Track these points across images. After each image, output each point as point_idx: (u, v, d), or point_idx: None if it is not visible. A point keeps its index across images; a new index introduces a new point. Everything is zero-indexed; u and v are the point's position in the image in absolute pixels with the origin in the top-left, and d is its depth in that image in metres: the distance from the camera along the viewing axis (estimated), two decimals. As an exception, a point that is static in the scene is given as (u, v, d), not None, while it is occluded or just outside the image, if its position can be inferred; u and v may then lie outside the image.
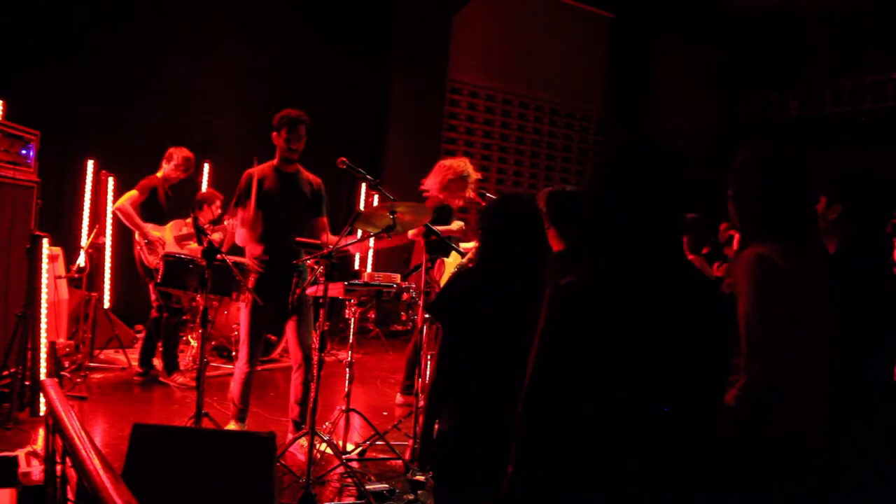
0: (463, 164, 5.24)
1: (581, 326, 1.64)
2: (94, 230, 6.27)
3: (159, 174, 6.13)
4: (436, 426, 2.45)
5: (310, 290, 4.26)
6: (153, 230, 5.93)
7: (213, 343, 6.78)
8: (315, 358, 4.09)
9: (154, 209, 6.01)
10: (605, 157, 1.79)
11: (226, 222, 6.67)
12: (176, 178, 6.22)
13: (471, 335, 2.39)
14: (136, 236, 5.93)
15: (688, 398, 1.66)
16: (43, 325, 4.67)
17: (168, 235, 6.03)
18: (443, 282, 4.49)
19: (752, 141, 2.22)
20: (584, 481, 1.65)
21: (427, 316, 4.35)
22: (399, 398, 5.74)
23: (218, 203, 6.37)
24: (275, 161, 4.39)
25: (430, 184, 5.25)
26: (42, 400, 4.37)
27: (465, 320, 2.40)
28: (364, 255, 8.16)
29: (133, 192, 5.90)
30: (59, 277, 5.82)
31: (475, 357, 2.38)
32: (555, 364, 1.66)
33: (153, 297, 5.96)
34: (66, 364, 5.60)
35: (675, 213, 1.72)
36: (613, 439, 1.63)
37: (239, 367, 4.37)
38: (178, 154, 6.16)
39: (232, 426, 4.31)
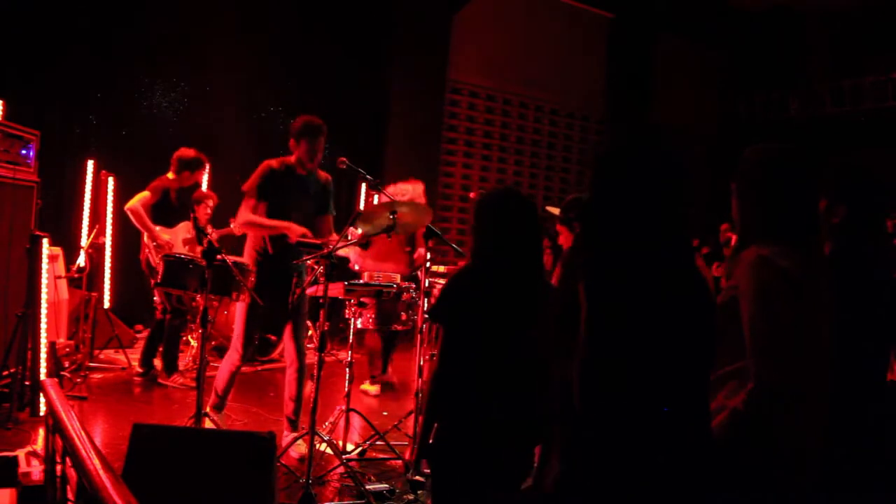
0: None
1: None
2: (94, 230, 6.26)
3: (171, 175, 6.09)
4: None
5: (310, 290, 4.26)
6: (162, 233, 5.91)
7: (213, 343, 6.78)
8: (315, 358, 4.10)
9: (165, 211, 5.97)
10: (607, 153, 1.81)
11: (232, 224, 6.68)
12: (189, 179, 6.15)
13: (472, 336, 2.37)
14: (145, 238, 5.90)
15: (682, 390, 1.71)
16: (43, 325, 4.67)
17: (178, 238, 6.02)
18: None
19: (757, 141, 2.21)
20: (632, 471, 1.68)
21: (426, 316, 4.36)
22: (371, 387, 5.94)
23: (209, 203, 6.36)
24: (292, 160, 4.32)
25: None
26: (42, 400, 4.37)
27: (466, 322, 2.38)
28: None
29: (145, 194, 5.87)
30: (59, 277, 5.81)
31: (477, 357, 2.36)
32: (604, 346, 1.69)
33: (157, 298, 5.95)
34: (66, 364, 5.60)
35: (676, 208, 1.74)
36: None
37: (230, 360, 4.38)
38: (182, 156, 6.10)
39: (208, 413, 4.27)
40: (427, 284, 4.40)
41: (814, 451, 2.03)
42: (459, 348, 2.38)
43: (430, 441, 2.41)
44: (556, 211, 3.61)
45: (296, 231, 4.16)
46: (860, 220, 2.49)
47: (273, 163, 4.31)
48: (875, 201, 2.53)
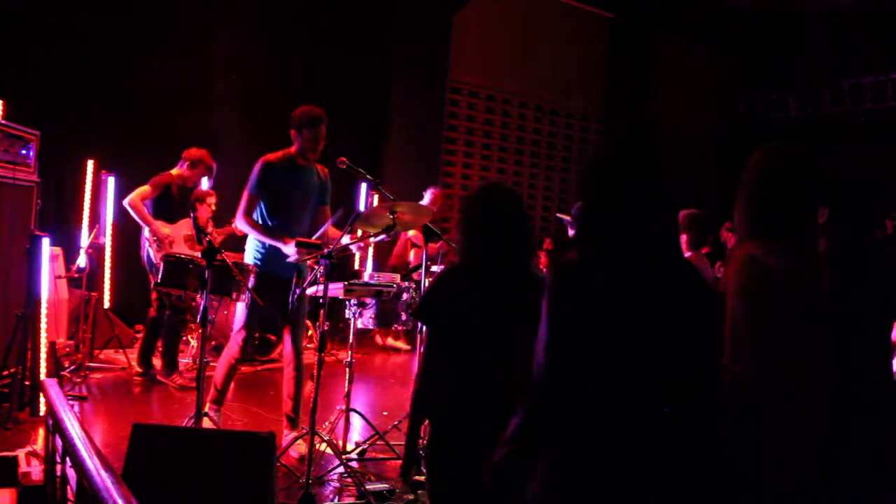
0: None
1: (579, 305, 1.69)
2: (94, 230, 6.26)
3: (174, 172, 6.08)
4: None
5: (310, 291, 4.26)
6: (163, 227, 5.89)
7: (213, 343, 6.77)
8: (315, 358, 4.10)
9: (166, 206, 5.94)
10: (596, 155, 1.86)
11: (233, 223, 6.67)
12: (192, 177, 6.15)
13: (459, 336, 2.34)
14: (146, 232, 5.90)
15: (679, 384, 1.70)
16: (43, 325, 4.67)
17: (179, 234, 6.00)
18: None
19: (756, 141, 2.22)
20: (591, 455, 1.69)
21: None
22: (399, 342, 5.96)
23: (210, 201, 6.35)
24: (292, 151, 4.32)
25: None
26: (42, 400, 4.37)
27: (452, 320, 2.34)
28: (364, 254, 8.17)
29: (145, 188, 5.85)
30: (59, 277, 5.81)
31: (465, 357, 2.33)
32: (560, 344, 1.68)
33: (153, 295, 5.94)
34: (66, 364, 5.60)
35: (663, 206, 1.77)
36: (613, 424, 1.67)
37: (229, 352, 4.40)
38: (188, 154, 6.10)
39: (207, 409, 4.27)
40: (427, 284, 4.40)
41: (813, 451, 2.03)
42: (445, 347, 2.35)
43: (423, 443, 2.38)
44: (567, 218, 3.59)
45: (288, 247, 4.13)
46: (845, 222, 2.50)
47: (270, 157, 4.32)
48: (858, 204, 2.54)
